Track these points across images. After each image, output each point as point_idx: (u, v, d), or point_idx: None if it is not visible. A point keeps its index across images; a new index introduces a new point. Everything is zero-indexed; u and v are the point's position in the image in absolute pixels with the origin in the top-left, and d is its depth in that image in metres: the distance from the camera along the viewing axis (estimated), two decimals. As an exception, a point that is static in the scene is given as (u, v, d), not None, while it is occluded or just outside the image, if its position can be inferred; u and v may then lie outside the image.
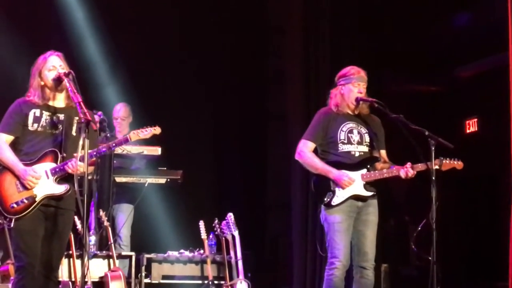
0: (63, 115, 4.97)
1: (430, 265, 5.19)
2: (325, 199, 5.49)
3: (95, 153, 4.88)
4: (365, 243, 5.51)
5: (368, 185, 5.55)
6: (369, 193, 5.55)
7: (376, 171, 5.57)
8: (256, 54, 8.94)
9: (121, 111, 7.72)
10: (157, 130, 5.20)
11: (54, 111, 4.96)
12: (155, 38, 8.64)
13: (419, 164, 5.42)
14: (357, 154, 5.60)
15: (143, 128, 5.18)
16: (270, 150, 8.90)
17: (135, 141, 7.27)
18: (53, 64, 4.95)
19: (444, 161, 5.44)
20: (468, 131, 8.41)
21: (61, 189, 4.86)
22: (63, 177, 4.86)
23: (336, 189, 5.49)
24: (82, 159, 4.60)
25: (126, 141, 5.12)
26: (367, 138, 5.65)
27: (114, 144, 5.05)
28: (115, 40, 8.43)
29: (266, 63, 8.99)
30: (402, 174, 5.48)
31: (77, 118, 4.95)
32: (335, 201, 5.48)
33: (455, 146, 5.36)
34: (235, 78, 8.94)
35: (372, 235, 5.54)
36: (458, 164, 5.55)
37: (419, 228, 5.37)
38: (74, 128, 4.97)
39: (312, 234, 7.59)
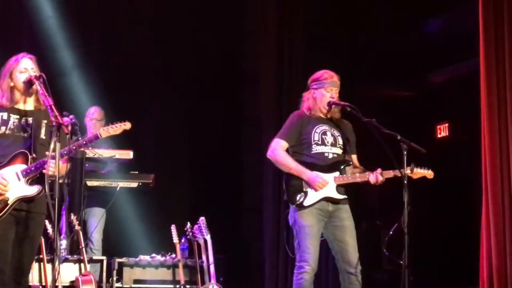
0: (31, 118, 4.92)
1: (401, 269, 5.21)
2: (297, 199, 5.49)
3: (65, 151, 4.81)
4: (348, 250, 5.49)
5: (340, 188, 5.56)
6: (341, 196, 5.55)
7: (349, 175, 5.58)
8: (230, 58, 8.94)
9: (95, 113, 7.69)
10: (127, 125, 5.08)
11: (21, 114, 4.91)
12: (127, 41, 8.61)
13: (390, 171, 5.44)
14: (330, 156, 5.60)
15: (113, 124, 5.09)
16: (244, 154, 8.89)
17: (107, 144, 7.36)
18: (25, 67, 4.90)
19: (415, 170, 5.47)
20: (439, 135, 8.47)
21: (33, 190, 4.80)
22: (34, 178, 4.81)
23: (309, 190, 5.48)
24: (54, 158, 4.56)
25: (96, 138, 5.02)
26: (340, 141, 5.67)
27: (84, 142, 4.99)
28: (86, 43, 8.40)
29: (240, 67, 8.99)
30: (372, 179, 5.49)
31: (45, 121, 4.91)
32: (307, 202, 5.47)
33: (426, 151, 5.39)
34: (209, 82, 8.92)
35: (353, 240, 5.53)
36: (429, 174, 5.56)
37: (391, 232, 5.39)
38: (43, 131, 4.92)
39: (283, 238, 7.59)
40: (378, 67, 8.25)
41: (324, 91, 5.63)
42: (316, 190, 5.47)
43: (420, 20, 8.23)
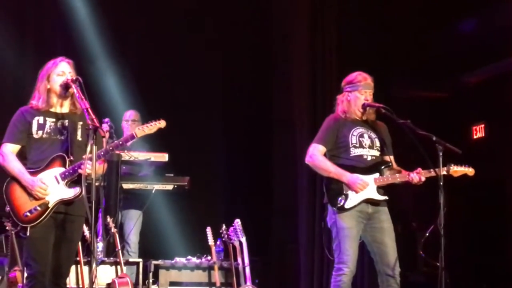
0: (67, 121, 4.97)
1: (437, 271, 5.17)
2: (338, 202, 5.48)
3: (102, 152, 4.86)
4: (388, 252, 5.48)
5: (380, 189, 5.54)
6: (382, 197, 5.53)
7: (389, 175, 5.54)
8: (263, 60, 8.96)
9: (132, 115, 7.75)
10: (161, 123, 5.08)
11: (57, 117, 4.97)
12: (162, 44, 8.67)
13: (429, 171, 5.40)
14: (369, 158, 5.58)
15: (147, 123, 5.11)
16: (277, 156, 8.89)
17: (143, 148, 7.41)
18: (63, 70, 4.96)
19: (455, 168, 5.44)
20: (475, 136, 8.40)
21: (72, 192, 4.85)
22: (73, 180, 4.85)
23: (349, 192, 5.46)
24: (92, 160, 4.59)
25: (132, 137, 5.05)
26: (377, 143, 5.64)
27: (120, 142, 5.02)
28: (122, 48, 8.48)
29: (273, 69, 9.00)
30: (412, 178, 5.46)
31: (81, 123, 4.97)
32: (348, 204, 5.45)
33: (462, 152, 5.35)
34: (242, 84, 8.95)
35: (392, 242, 5.51)
36: (470, 171, 5.54)
37: (427, 234, 5.35)
38: (79, 133, 4.97)
39: (319, 239, 7.59)
40: (412, 68, 8.20)
41: (358, 94, 5.61)
42: (356, 192, 5.45)
43: (455, 20, 8.16)
